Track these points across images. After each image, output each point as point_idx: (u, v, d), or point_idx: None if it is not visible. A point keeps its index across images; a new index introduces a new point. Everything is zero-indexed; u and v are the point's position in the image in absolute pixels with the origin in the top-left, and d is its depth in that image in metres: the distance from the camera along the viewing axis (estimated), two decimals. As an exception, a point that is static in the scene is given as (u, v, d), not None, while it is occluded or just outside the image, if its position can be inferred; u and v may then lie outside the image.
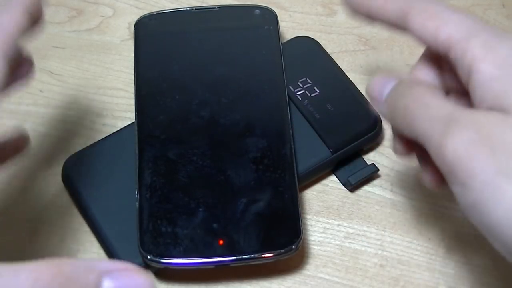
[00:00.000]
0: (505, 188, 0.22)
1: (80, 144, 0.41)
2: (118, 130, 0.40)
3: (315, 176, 0.39)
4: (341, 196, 0.40)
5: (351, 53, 0.46)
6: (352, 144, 0.40)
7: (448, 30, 0.26)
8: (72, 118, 0.42)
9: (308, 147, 0.39)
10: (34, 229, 0.38)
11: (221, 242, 0.35)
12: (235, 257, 0.34)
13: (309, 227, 0.38)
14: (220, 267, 0.35)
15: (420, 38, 0.28)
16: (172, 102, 0.39)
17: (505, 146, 0.23)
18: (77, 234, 0.38)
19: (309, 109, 0.41)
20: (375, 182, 0.40)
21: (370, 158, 0.41)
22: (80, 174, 0.38)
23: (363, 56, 0.46)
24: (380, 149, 0.42)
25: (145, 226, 0.35)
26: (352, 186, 0.39)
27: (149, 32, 0.42)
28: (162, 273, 0.37)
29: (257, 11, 0.43)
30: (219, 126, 0.38)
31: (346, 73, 0.43)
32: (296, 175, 0.37)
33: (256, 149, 0.38)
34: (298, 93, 0.41)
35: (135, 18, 0.44)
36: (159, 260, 0.34)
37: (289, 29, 0.47)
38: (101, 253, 0.37)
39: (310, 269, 0.37)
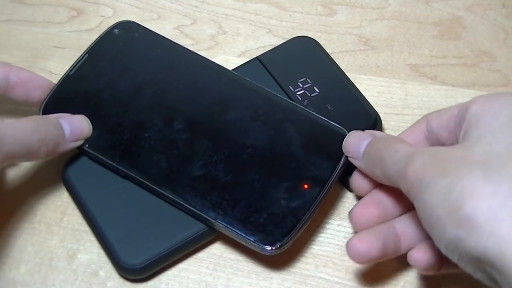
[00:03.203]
0: (438, 181, 0.28)
1: (80, 144, 0.41)
2: (118, 130, 0.40)
3: (315, 176, 0.40)
4: (341, 196, 0.40)
5: (351, 53, 0.46)
6: (352, 144, 0.40)
7: (454, 108, 0.34)
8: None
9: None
10: (34, 229, 0.38)
11: (306, 186, 0.36)
12: (326, 185, 0.36)
13: (309, 227, 0.38)
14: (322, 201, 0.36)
15: (436, 123, 0.35)
16: (151, 143, 0.38)
17: (449, 158, 0.29)
18: (77, 234, 0.38)
19: (309, 109, 0.41)
20: (375, 182, 0.40)
21: (370, 158, 0.41)
22: (80, 174, 0.38)
23: (363, 56, 0.46)
24: (380, 149, 0.42)
25: (248, 232, 0.35)
26: (352, 186, 0.39)
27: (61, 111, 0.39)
28: (162, 274, 0.37)
29: (116, 30, 0.43)
30: (204, 125, 0.39)
31: (346, 73, 0.43)
32: (291, 102, 0.39)
33: (244, 111, 0.39)
34: (298, 93, 0.41)
35: (135, 18, 0.44)
36: (286, 240, 0.35)
37: (289, 29, 0.47)
38: (101, 253, 0.37)
39: (310, 269, 0.37)
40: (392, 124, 0.43)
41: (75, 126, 0.37)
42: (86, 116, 0.38)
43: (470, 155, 0.28)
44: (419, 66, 0.45)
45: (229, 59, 0.46)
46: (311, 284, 0.37)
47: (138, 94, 0.40)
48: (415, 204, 0.29)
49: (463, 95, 0.44)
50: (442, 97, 0.44)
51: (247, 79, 0.40)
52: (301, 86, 0.42)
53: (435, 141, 0.35)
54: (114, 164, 0.38)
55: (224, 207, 0.36)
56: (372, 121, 0.41)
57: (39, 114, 0.39)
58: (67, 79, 0.41)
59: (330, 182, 0.37)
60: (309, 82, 0.42)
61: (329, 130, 0.38)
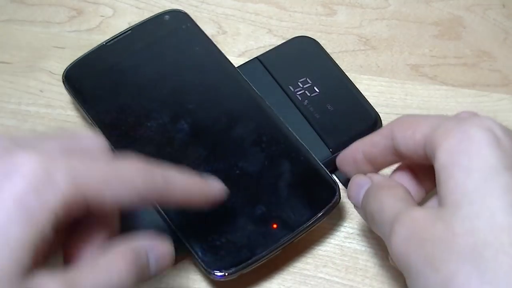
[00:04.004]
0: (429, 275, 0.26)
1: (80, 144, 0.41)
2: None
3: (315, 176, 0.39)
4: (341, 197, 0.40)
5: (351, 53, 0.46)
6: (352, 144, 0.40)
7: (421, 130, 0.30)
8: (72, 118, 0.42)
9: (308, 147, 0.39)
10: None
11: (274, 226, 0.35)
12: (294, 232, 0.35)
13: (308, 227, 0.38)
14: (286, 247, 0.35)
15: (403, 146, 0.31)
16: (148, 133, 0.38)
17: (432, 238, 0.27)
18: (77, 234, 0.38)
19: (309, 109, 0.41)
20: (375, 182, 0.40)
21: (370, 158, 0.41)
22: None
23: (363, 56, 0.46)
24: (380, 149, 0.42)
25: (199, 249, 0.34)
26: (352, 186, 0.39)
27: (82, 79, 0.41)
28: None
29: (166, 16, 0.43)
30: (204, 132, 0.38)
31: (346, 73, 0.43)
32: (299, 140, 0.38)
33: (250, 133, 0.38)
34: (298, 93, 0.41)
35: (135, 18, 0.44)
36: (233, 270, 0.34)
37: (289, 29, 0.47)
38: (101, 253, 0.37)
39: (310, 269, 0.37)
40: (392, 124, 0.43)
41: (162, 263, 0.29)
42: (102, 90, 0.39)
43: (452, 237, 0.26)
44: (419, 66, 0.45)
45: (229, 59, 0.46)
46: (311, 284, 0.37)
47: (157, 84, 0.40)
48: (407, 283, 0.28)
49: (463, 95, 0.44)
50: (442, 97, 0.44)
51: (268, 103, 0.39)
52: (301, 86, 0.42)
53: (402, 158, 0.33)
54: (110, 145, 0.37)
55: (186, 219, 0.35)
56: (372, 121, 0.41)
57: (61, 77, 0.40)
58: (101, 48, 0.41)
59: (300, 230, 0.35)
60: (309, 82, 0.42)
61: (321, 179, 0.37)
